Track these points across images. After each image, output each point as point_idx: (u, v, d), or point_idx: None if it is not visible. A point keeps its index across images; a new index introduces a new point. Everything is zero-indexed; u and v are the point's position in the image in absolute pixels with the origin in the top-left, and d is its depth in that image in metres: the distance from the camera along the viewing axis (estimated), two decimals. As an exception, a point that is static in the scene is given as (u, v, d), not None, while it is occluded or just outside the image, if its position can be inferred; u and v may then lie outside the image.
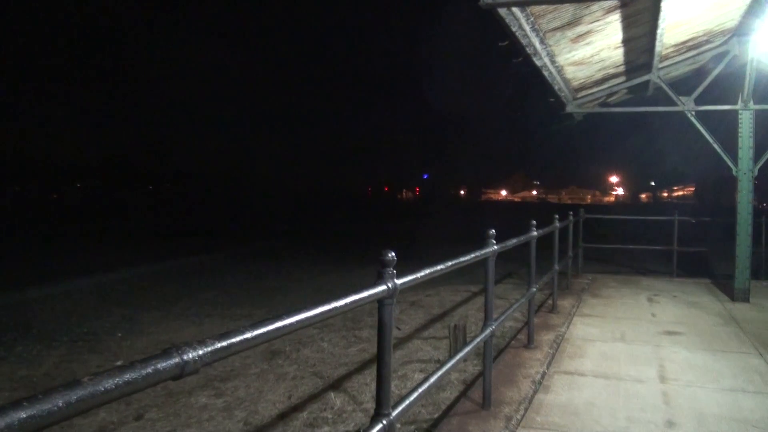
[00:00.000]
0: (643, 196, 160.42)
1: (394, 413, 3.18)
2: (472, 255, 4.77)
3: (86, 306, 11.67)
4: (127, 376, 1.55)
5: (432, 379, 3.85)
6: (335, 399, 6.23)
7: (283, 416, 5.84)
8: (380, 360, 3.17)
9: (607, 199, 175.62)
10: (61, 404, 1.35)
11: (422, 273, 3.69)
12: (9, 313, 10.90)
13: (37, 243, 25.43)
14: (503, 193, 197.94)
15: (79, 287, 13.97)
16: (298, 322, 2.40)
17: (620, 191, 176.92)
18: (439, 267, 3.99)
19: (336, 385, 6.72)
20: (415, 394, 3.54)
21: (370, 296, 2.98)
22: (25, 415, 1.26)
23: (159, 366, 1.66)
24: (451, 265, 4.20)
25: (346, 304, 2.77)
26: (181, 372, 1.73)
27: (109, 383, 1.49)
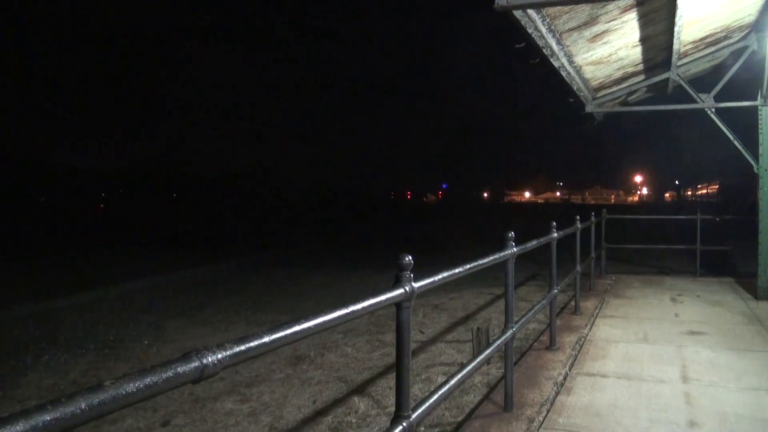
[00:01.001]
0: (667, 195, 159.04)
1: (414, 415, 3.21)
2: (491, 258, 4.78)
3: (112, 314, 11.79)
4: (149, 380, 1.60)
5: (452, 382, 3.88)
6: (359, 403, 6.27)
7: (308, 421, 5.89)
8: (399, 362, 3.21)
9: (631, 198, 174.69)
10: (84, 407, 1.39)
11: (440, 276, 3.72)
12: (36, 322, 11.04)
13: (62, 252, 25.69)
14: (526, 194, 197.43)
15: (105, 296, 14.12)
16: (316, 325, 2.45)
17: (644, 191, 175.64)
18: (457, 270, 4.02)
19: (360, 389, 6.76)
20: (435, 397, 3.57)
21: (387, 299, 3.02)
22: (49, 418, 1.31)
23: (179, 369, 1.71)
24: (470, 268, 4.23)
25: (363, 308, 2.81)
26: (201, 375, 1.78)
27: (131, 386, 1.54)
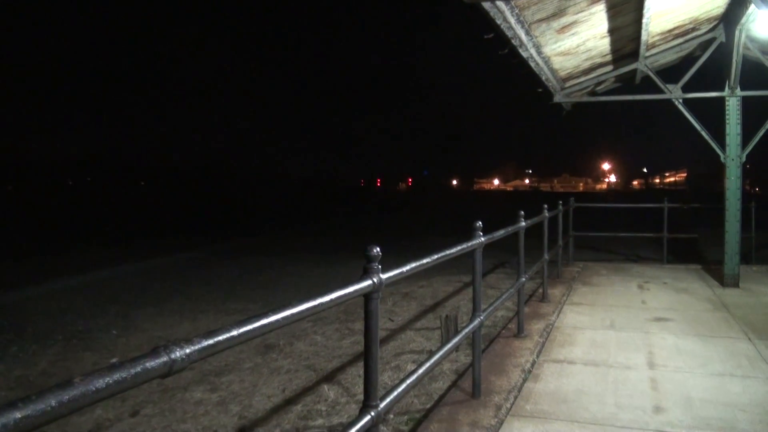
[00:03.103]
0: (635, 182, 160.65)
1: (382, 404, 3.25)
2: (459, 247, 4.82)
3: (80, 304, 11.70)
4: (117, 375, 1.61)
5: (420, 371, 3.92)
6: (329, 391, 6.30)
7: (278, 409, 5.91)
8: (367, 352, 3.23)
9: (599, 186, 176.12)
10: (54, 404, 1.40)
11: (408, 267, 3.74)
12: (3, 312, 10.93)
13: (29, 241, 25.37)
14: (495, 182, 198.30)
15: (73, 285, 14.00)
16: (284, 318, 2.46)
17: (613, 178, 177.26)
18: (425, 260, 4.05)
19: (329, 377, 6.79)
20: (403, 386, 3.61)
21: (356, 291, 3.04)
22: (20, 415, 1.32)
23: (148, 365, 1.72)
24: (437, 258, 4.26)
25: (332, 300, 2.83)
26: (170, 370, 1.80)
27: (100, 382, 1.55)
